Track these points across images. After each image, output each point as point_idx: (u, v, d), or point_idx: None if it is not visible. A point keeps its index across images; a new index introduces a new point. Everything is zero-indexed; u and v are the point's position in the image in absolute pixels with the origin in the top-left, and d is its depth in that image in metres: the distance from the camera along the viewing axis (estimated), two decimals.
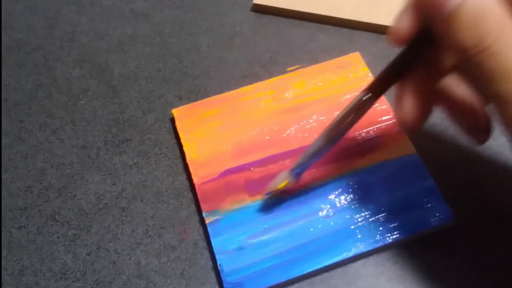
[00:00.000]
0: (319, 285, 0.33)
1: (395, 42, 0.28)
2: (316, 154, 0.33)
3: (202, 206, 0.35)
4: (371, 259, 0.34)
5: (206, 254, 0.35)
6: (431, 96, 0.29)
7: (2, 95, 0.43)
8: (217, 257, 0.33)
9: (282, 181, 0.34)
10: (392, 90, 0.30)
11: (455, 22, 0.24)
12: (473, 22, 0.23)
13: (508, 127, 0.24)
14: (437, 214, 0.34)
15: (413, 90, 0.28)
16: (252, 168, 0.37)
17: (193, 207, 0.37)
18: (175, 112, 0.40)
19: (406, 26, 0.27)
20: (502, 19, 0.23)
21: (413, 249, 0.34)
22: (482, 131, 0.31)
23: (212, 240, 0.34)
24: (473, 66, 0.24)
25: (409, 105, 0.28)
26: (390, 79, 0.29)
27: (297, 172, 0.34)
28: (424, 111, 0.29)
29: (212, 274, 0.34)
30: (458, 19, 0.24)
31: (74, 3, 0.48)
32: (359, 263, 0.34)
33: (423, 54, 0.28)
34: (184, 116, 0.39)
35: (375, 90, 0.30)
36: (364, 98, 0.30)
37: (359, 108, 0.31)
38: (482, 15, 0.23)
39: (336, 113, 0.39)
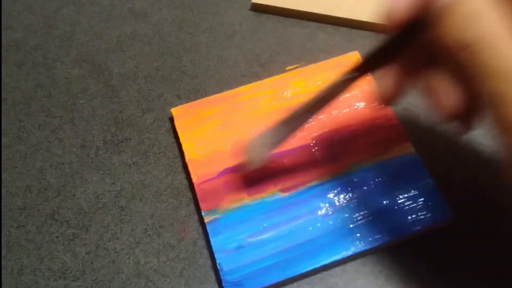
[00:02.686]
0: (318, 283, 0.33)
1: (389, 26, 0.28)
2: (293, 125, 0.33)
3: (201, 205, 0.35)
4: (370, 258, 0.34)
5: (205, 253, 0.35)
6: (412, 79, 0.30)
7: (1, 94, 0.43)
8: (216, 256, 0.33)
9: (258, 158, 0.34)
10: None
11: (446, 17, 0.24)
12: (464, 19, 0.24)
13: (497, 126, 0.24)
14: (436, 213, 0.34)
15: (397, 70, 0.29)
16: None
17: (192, 206, 0.37)
18: (174, 111, 0.40)
19: (401, 10, 0.27)
20: (492, 19, 0.23)
21: (412, 248, 0.34)
22: (462, 122, 0.30)
23: (211, 239, 0.34)
24: (459, 63, 0.24)
25: (390, 81, 0.29)
26: (378, 61, 0.29)
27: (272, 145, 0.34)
28: (401, 90, 0.30)
29: (211, 273, 0.34)
30: (449, 14, 0.24)
31: (73, 2, 0.48)
32: (358, 262, 0.34)
33: (413, 40, 0.28)
34: (183, 115, 0.39)
35: (361, 69, 0.30)
36: (349, 76, 0.30)
37: (341, 85, 0.31)
38: (473, 14, 0.23)
39: (335, 112, 0.39)
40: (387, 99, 0.30)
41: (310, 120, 0.33)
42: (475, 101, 0.26)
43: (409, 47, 0.28)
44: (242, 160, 0.35)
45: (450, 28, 0.24)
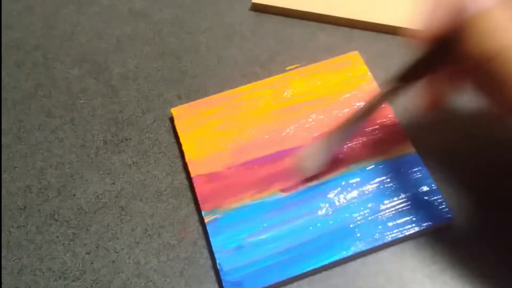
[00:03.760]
0: (318, 283, 0.33)
1: (427, 38, 0.29)
2: (342, 135, 0.35)
3: (201, 205, 0.35)
4: (370, 258, 0.34)
5: (205, 253, 0.35)
6: (453, 86, 0.32)
7: (1, 94, 0.43)
8: (216, 256, 0.33)
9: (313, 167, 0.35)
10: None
11: (471, 29, 0.26)
12: (488, 31, 0.25)
13: None
14: (436, 213, 0.34)
15: (436, 80, 0.31)
16: (251, 167, 0.37)
17: (192, 206, 0.37)
18: (174, 111, 0.40)
19: (437, 23, 0.29)
20: None
21: (412, 247, 0.34)
22: None
23: (211, 239, 0.34)
24: (486, 73, 0.26)
25: (433, 90, 0.32)
26: (418, 72, 0.31)
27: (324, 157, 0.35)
28: (444, 97, 0.32)
29: (211, 273, 0.34)
30: (474, 27, 0.26)
31: (73, 2, 0.48)
32: (358, 261, 0.34)
33: (449, 53, 0.29)
34: (183, 115, 0.39)
35: (403, 79, 0.31)
36: (393, 88, 0.32)
37: (387, 95, 0.33)
38: (496, 26, 0.25)
39: (335, 112, 0.39)
40: (434, 106, 0.32)
41: (359, 129, 0.35)
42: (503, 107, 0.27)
43: (445, 58, 0.30)
44: (296, 168, 0.36)
45: (475, 41, 0.26)
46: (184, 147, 0.38)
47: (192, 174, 0.37)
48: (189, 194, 0.37)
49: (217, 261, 0.33)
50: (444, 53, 0.29)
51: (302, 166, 0.35)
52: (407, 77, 0.31)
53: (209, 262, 0.34)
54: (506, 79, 0.25)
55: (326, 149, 0.35)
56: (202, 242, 0.35)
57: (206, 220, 0.35)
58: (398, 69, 0.31)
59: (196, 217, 0.36)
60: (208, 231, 0.34)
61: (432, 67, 0.30)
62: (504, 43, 0.25)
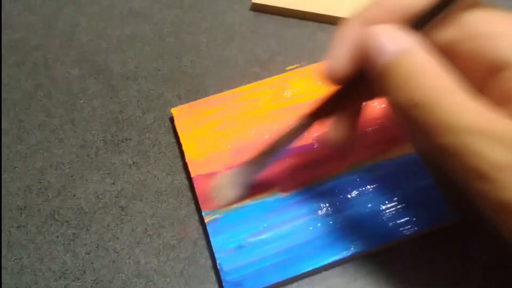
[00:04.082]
0: (318, 283, 0.33)
1: (332, 82, 0.28)
2: (258, 166, 0.34)
3: (202, 205, 0.35)
4: (370, 258, 0.34)
5: (206, 253, 0.35)
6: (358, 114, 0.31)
7: (1, 94, 0.43)
8: (216, 256, 0.33)
9: (228, 198, 0.35)
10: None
11: (387, 77, 0.24)
12: (408, 77, 0.23)
13: (459, 174, 0.24)
14: (436, 213, 0.34)
15: (347, 115, 0.30)
16: None
17: (192, 206, 0.37)
18: (174, 111, 0.40)
19: (342, 68, 0.27)
20: (435, 74, 0.23)
21: (412, 247, 0.34)
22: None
23: (211, 239, 0.34)
24: (411, 120, 0.24)
25: (344, 126, 0.30)
26: (327, 109, 0.31)
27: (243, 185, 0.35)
28: (354, 128, 0.31)
29: (212, 273, 0.34)
30: (391, 75, 0.24)
31: (73, 2, 0.48)
32: (358, 262, 0.34)
33: (359, 89, 0.29)
34: (184, 115, 0.39)
35: (314, 116, 0.31)
36: (304, 123, 0.32)
37: (299, 130, 0.32)
38: (415, 71, 0.23)
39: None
40: (340, 140, 0.30)
41: (272, 161, 0.34)
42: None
43: (359, 95, 0.29)
44: (211, 197, 0.35)
45: (395, 88, 0.24)
46: (184, 147, 0.38)
47: (192, 174, 0.37)
48: (189, 194, 0.37)
49: (217, 261, 0.33)
50: (355, 90, 0.28)
51: (217, 195, 0.35)
52: (318, 114, 0.31)
53: (209, 262, 0.34)
54: (432, 125, 0.23)
55: (242, 178, 0.35)
56: (202, 242, 0.35)
57: (206, 220, 0.35)
58: (310, 105, 0.31)
59: (196, 217, 0.36)
60: (208, 231, 0.34)
61: (343, 106, 0.30)
62: (427, 87, 0.23)
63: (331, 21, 0.45)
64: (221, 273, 0.33)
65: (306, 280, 0.34)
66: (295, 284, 0.33)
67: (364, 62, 0.26)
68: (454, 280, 0.33)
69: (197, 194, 0.36)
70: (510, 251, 0.33)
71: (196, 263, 0.35)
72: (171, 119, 0.40)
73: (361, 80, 0.27)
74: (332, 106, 0.30)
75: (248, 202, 0.35)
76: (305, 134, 0.37)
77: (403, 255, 0.34)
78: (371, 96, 0.30)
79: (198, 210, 0.36)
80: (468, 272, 0.33)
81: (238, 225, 0.34)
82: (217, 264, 0.33)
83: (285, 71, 0.42)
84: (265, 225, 0.34)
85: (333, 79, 0.28)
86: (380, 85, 0.25)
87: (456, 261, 0.33)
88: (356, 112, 0.31)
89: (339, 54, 0.27)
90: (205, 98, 0.40)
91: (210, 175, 0.36)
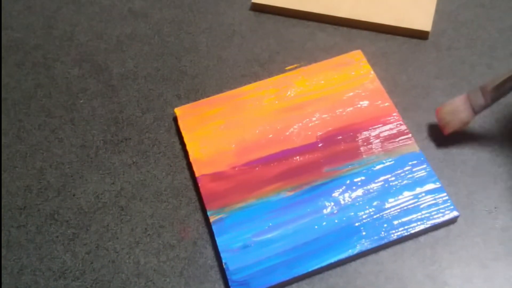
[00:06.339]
0: (318, 283, 0.33)
1: None
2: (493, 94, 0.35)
3: (207, 204, 0.35)
4: (370, 258, 0.34)
5: (205, 253, 0.35)
6: None
7: (1, 94, 0.43)
8: (222, 255, 0.33)
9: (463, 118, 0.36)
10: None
11: None
12: None
13: None
14: (441, 211, 0.34)
15: None
16: (255, 166, 0.37)
17: (192, 206, 0.37)
18: (178, 111, 0.39)
19: None
20: None
21: (412, 247, 0.34)
22: None
23: (217, 239, 0.34)
24: None
25: None
26: None
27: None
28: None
29: (211, 273, 0.34)
30: None
31: (73, 2, 0.48)
32: (359, 261, 0.34)
33: None
34: (187, 115, 0.39)
35: None
36: None
37: None
38: None
39: (339, 110, 0.39)
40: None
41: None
42: None
43: None
44: (440, 122, 0.36)
45: None
46: (188, 147, 0.38)
47: (197, 174, 0.37)
48: (189, 194, 0.37)
49: (223, 261, 0.33)
50: None
51: (452, 119, 0.36)
52: None
53: (209, 261, 0.34)
54: None
55: (474, 102, 0.35)
56: (202, 242, 0.35)
57: (211, 220, 0.35)
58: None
59: (196, 216, 0.36)
60: (214, 230, 0.34)
61: None
62: None
63: (331, 20, 0.45)
64: (227, 273, 0.33)
65: (307, 280, 0.33)
66: (295, 284, 0.33)
67: None
68: (456, 277, 0.33)
69: (202, 193, 0.36)
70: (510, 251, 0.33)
71: (196, 263, 0.34)
72: (174, 119, 0.40)
73: None
74: None
75: (253, 201, 0.35)
76: (309, 133, 0.38)
77: (403, 254, 0.34)
78: None
79: (199, 210, 0.36)
80: (470, 270, 0.33)
81: (243, 225, 0.34)
82: (223, 264, 0.33)
83: (285, 70, 0.42)
84: (270, 224, 0.34)
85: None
86: None
87: (458, 259, 0.33)
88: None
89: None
90: (208, 98, 0.40)
91: (215, 174, 0.36)
